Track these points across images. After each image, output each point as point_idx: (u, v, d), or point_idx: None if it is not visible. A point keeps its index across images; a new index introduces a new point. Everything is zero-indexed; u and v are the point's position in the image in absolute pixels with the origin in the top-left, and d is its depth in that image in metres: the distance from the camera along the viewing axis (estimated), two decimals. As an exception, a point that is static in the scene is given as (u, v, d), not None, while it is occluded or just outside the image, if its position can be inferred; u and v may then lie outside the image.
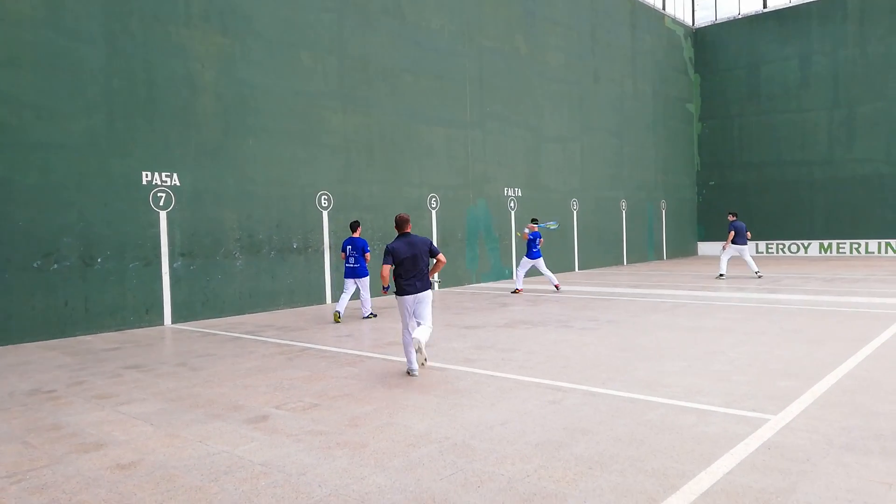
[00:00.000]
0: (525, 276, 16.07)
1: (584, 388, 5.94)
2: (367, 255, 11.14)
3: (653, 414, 5.05)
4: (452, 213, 16.70)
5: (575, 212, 21.22)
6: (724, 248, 17.33)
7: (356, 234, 11.27)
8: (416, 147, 15.88)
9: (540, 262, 14.88)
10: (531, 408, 5.32)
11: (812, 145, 25.93)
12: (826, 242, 25.73)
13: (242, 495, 3.72)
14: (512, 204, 18.75)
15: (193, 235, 11.68)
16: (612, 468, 3.95)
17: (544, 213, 19.68)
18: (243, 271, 12.38)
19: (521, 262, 14.94)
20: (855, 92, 24.84)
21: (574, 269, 21.11)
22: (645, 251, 25.18)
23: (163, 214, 11.27)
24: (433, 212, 16.19)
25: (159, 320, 11.20)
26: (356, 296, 12.01)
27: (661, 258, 26.02)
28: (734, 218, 17.58)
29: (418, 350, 6.44)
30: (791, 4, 26.46)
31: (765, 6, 27.33)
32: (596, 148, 22.39)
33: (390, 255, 6.74)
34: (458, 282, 16.73)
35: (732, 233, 17.07)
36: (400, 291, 6.76)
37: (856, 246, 25.05)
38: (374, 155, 14.86)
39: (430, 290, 6.94)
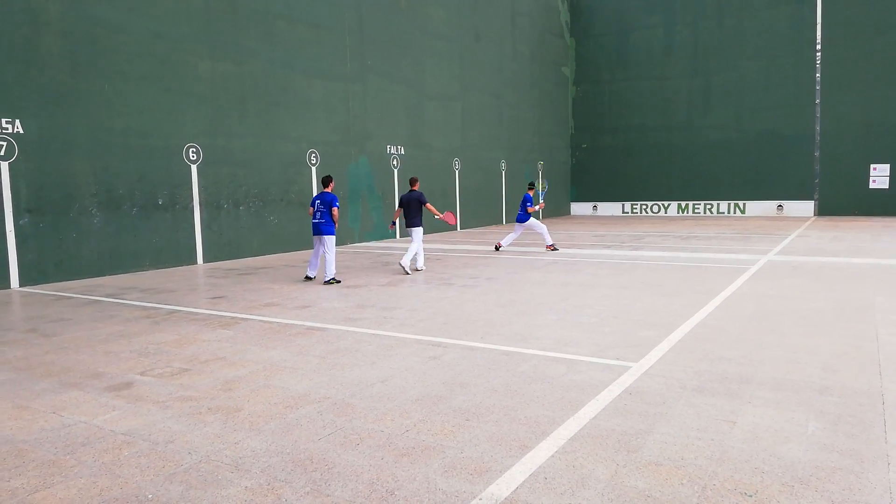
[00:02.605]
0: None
1: (463, 343, 6.07)
2: (335, 210, 10.04)
3: (526, 365, 5.26)
4: (333, 171, 16.27)
5: (457, 171, 21.43)
6: None
7: (327, 189, 10.32)
8: (292, 99, 15.22)
9: (529, 224, 14.17)
10: (412, 364, 5.36)
11: (673, 111, 27.76)
12: (683, 203, 27.89)
13: (102, 467, 3.46)
14: (395, 162, 18.59)
15: (41, 189, 10.56)
16: (488, 418, 4.08)
17: (427, 173, 19.69)
18: (102, 229, 11.41)
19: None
20: (711, 62, 26.75)
21: (455, 229, 21.44)
22: (522, 210, 26.00)
23: (4, 165, 10.07)
24: (313, 168, 15.71)
25: (5, 283, 10.12)
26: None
27: (537, 217, 27.01)
28: None
29: (403, 268, 10.94)
30: (659, -25, 27.81)
31: (636, -25, 28.50)
32: (477, 108, 22.61)
33: (400, 201, 11.50)
34: (341, 241, 16.45)
35: None
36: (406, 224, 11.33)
37: (709, 206, 27.37)
38: (246, 106, 14.07)
39: (418, 228, 11.28)
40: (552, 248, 14.25)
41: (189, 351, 5.97)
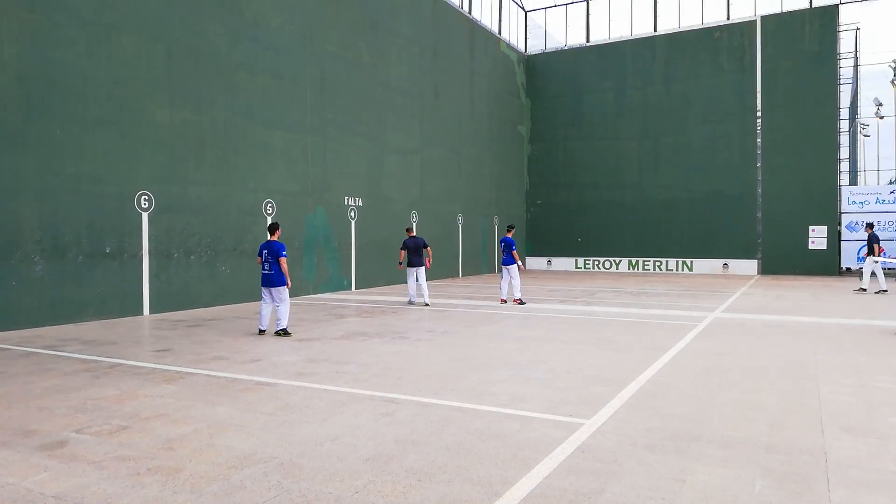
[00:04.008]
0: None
1: (417, 399, 5.99)
2: (283, 259, 9.71)
3: (480, 422, 5.21)
4: (289, 221, 16.17)
5: (414, 223, 21.56)
6: (875, 261, 17.02)
7: (274, 238, 10.02)
8: (251, 149, 15.19)
9: (513, 268, 14.42)
10: (363, 421, 5.25)
11: (625, 171, 28.73)
12: (634, 260, 28.57)
13: (28, 536, 3.24)
14: (352, 213, 18.60)
15: (-19, 235, 10.15)
16: (441, 478, 4.01)
17: (385, 224, 19.74)
18: (44, 277, 10.98)
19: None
20: (660, 125, 27.95)
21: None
22: (479, 264, 26.23)
23: (-59, 209, 9.68)
24: (268, 218, 15.57)
25: (-68, 333, 9.58)
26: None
27: (493, 271, 27.26)
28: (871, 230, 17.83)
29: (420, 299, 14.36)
30: (609, 41, 29.21)
31: (587, 40, 29.89)
32: (435, 162, 22.98)
33: (404, 245, 14.36)
34: (295, 292, 16.21)
35: (877, 246, 17.16)
36: (409, 265, 14.22)
37: (658, 263, 28.09)
38: (204, 154, 13.97)
39: (422, 267, 14.21)
40: (518, 301, 14.36)
41: (130, 407, 5.72)
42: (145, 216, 12.67)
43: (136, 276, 12.50)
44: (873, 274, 17.66)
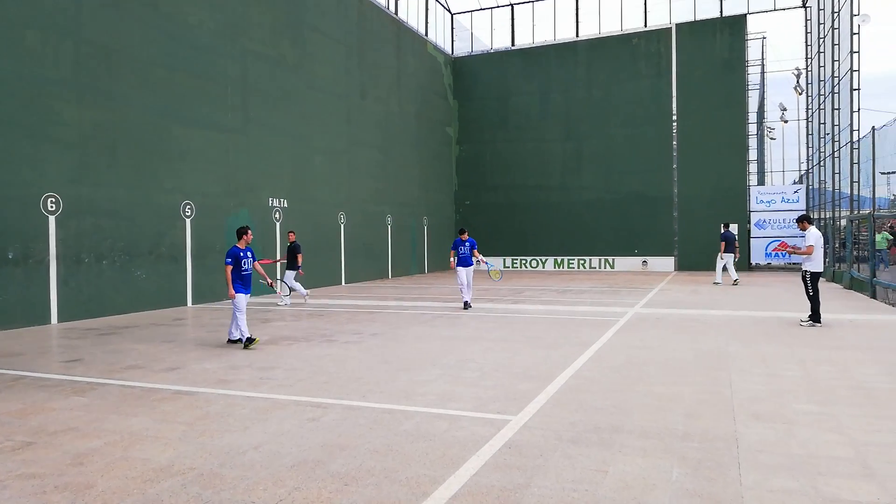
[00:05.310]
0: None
1: (345, 402, 5.90)
2: (227, 268, 8.99)
3: (409, 423, 5.19)
4: (210, 223, 15.64)
5: (342, 225, 21.29)
6: (720, 257, 19.25)
7: (238, 243, 9.21)
8: (169, 149, 14.58)
9: (465, 270, 13.87)
10: (288, 428, 5.12)
11: (549, 172, 29.39)
12: (559, 258, 29.26)
13: (-86, 567, 2.98)
14: (277, 215, 18.18)
15: None
16: (368, 482, 3.96)
17: (312, 226, 19.39)
18: (-63, 286, 10.16)
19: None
20: (582, 128, 28.75)
21: (340, 283, 21.14)
22: (409, 265, 26.18)
23: None
24: (188, 220, 14.99)
25: None
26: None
27: (423, 272, 27.28)
28: (725, 229, 19.80)
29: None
30: (534, 45, 29.82)
31: (513, 44, 30.40)
32: (363, 163, 22.77)
33: (300, 249, 15.12)
34: (216, 297, 15.68)
35: (724, 243, 19.20)
36: (291, 267, 15.02)
37: (582, 262, 28.89)
38: (117, 154, 13.30)
39: (295, 271, 14.94)
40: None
41: (35, 421, 5.36)
42: (52, 219, 11.94)
43: (43, 282, 11.75)
44: (725, 269, 19.65)
